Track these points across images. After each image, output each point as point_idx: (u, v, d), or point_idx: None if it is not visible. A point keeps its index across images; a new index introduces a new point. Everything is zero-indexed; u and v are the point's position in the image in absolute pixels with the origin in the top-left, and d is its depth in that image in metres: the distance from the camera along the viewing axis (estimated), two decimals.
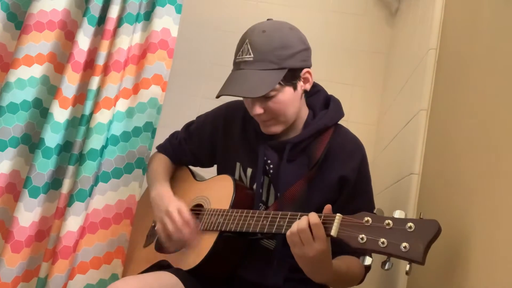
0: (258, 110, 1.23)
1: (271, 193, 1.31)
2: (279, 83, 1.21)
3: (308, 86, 1.29)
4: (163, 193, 1.35)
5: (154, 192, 1.37)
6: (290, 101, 1.25)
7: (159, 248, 1.38)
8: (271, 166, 1.30)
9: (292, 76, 1.24)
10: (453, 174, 1.09)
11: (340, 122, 1.36)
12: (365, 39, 2.38)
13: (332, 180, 1.26)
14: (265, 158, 1.30)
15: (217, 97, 1.25)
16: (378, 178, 1.77)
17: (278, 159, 1.29)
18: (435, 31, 1.43)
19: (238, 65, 1.25)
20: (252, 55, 1.21)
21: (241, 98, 1.45)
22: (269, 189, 1.31)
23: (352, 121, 2.20)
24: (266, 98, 1.22)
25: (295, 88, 1.25)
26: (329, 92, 1.40)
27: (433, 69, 1.40)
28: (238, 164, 1.37)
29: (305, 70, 1.27)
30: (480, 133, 0.98)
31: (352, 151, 1.30)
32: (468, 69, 1.13)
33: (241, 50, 1.24)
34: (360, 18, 2.40)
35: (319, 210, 1.07)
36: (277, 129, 1.28)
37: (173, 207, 1.27)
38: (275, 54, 1.21)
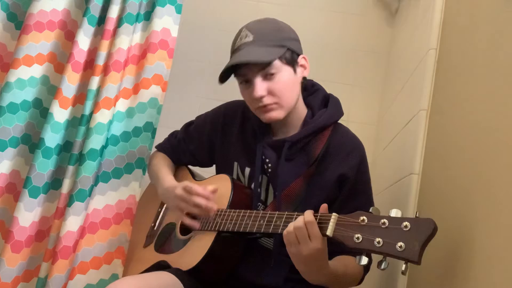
0: (261, 91, 1.23)
1: (269, 192, 1.31)
2: (280, 60, 1.24)
3: (306, 73, 1.32)
4: (167, 185, 1.35)
5: (160, 189, 1.38)
6: (291, 83, 1.27)
7: (159, 248, 1.38)
8: (270, 165, 1.30)
9: (291, 58, 1.27)
10: (453, 174, 1.09)
11: (340, 122, 1.36)
12: (365, 39, 2.38)
13: (331, 178, 1.26)
14: (263, 157, 1.30)
15: (222, 77, 1.26)
16: (378, 178, 1.77)
17: (276, 158, 1.29)
18: (435, 31, 1.43)
19: (238, 48, 1.26)
20: (251, 37, 1.24)
21: (240, 98, 1.45)
22: (267, 188, 1.31)
23: (352, 121, 2.20)
24: (268, 76, 1.24)
25: (295, 71, 1.28)
26: (329, 92, 1.40)
27: (433, 69, 1.40)
28: (235, 163, 1.37)
29: (301, 56, 1.30)
30: (480, 133, 0.98)
31: (351, 149, 1.30)
32: (468, 69, 1.13)
33: (239, 37, 1.27)
34: (360, 18, 2.40)
35: (317, 209, 1.07)
36: (278, 114, 1.27)
37: (178, 190, 1.28)
38: (274, 35, 1.26)
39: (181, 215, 1.29)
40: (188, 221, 1.28)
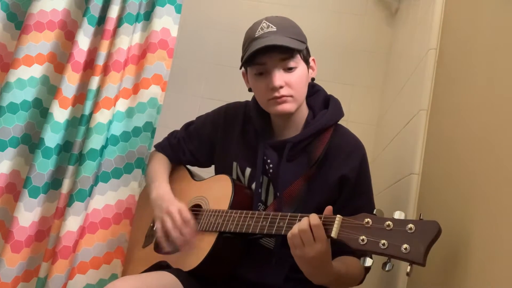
0: (280, 81, 1.24)
1: (270, 193, 1.31)
2: (299, 55, 1.26)
3: (314, 75, 1.35)
4: (164, 194, 1.34)
5: (155, 193, 1.36)
6: (305, 80, 1.30)
7: (158, 248, 1.38)
8: (271, 165, 1.30)
9: (306, 56, 1.30)
10: (453, 174, 1.09)
11: (340, 122, 1.36)
12: (365, 39, 2.38)
13: (332, 179, 1.26)
14: (264, 158, 1.30)
15: (247, 60, 1.25)
16: (378, 178, 1.77)
17: (277, 159, 1.29)
18: (435, 31, 1.43)
19: (260, 36, 1.25)
20: (275, 28, 1.25)
21: (241, 100, 1.46)
22: (268, 188, 1.31)
23: (352, 121, 2.20)
24: (287, 70, 1.25)
25: (308, 69, 1.31)
26: (329, 92, 1.41)
27: (433, 69, 1.40)
28: (235, 164, 1.37)
29: (311, 58, 1.33)
30: (480, 133, 0.98)
31: (352, 150, 1.30)
32: (468, 69, 1.13)
33: (260, 27, 1.27)
34: (360, 18, 2.40)
35: (318, 210, 1.06)
36: (291, 107, 1.27)
37: (174, 207, 1.27)
38: (295, 30, 1.29)
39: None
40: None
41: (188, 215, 1.25)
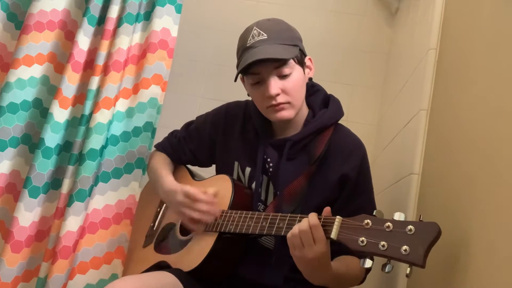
0: (276, 89, 1.23)
1: (269, 192, 1.31)
2: (293, 60, 1.25)
3: (311, 74, 1.34)
4: (168, 187, 1.34)
5: (161, 191, 1.37)
6: (302, 83, 1.29)
7: (158, 248, 1.38)
8: (271, 164, 1.30)
9: (301, 58, 1.29)
10: (453, 174, 1.09)
11: (339, 122, 1.36)
12: (365, 39, 2.38)
13: (332, 179, 1.26)
14: (264, 157, 1.30)
15: (240, 72, 1.25)
16: (378, 178, 1.77)
17: (278, 157, 1.29)
18: (435, 31, 1.43)
19: (251, 46, 1.25)
20: (266, 35, 1.24)
21: (241, 99, 1.46)
22: (268, 188, 1.31)
23: (352, 121, 2.20)
24: (282, 77, 1.24)
25: (304, 71, 1.30)
26: (329, 92, 1.41)
27: (433, 69, 1.40)
28: (236, 163, 1.37)
29: (307, 57, 1.32)
30: (480, 133, 0.98)
31: (352, 149, 1.30)
32: (468, 69, 1.13)
33: (251, 35, 1.26)
34: (360, 18, 2.40)
35: (318, 209, 1.07)
36: (289, 113, 1.27)
37: (179, 195, 1.27)
38: (287, 34, 1.27)
39: (184, 219, 1.28)
40: (191, 226, 1.27)
41: (193, 192, 1.24)
